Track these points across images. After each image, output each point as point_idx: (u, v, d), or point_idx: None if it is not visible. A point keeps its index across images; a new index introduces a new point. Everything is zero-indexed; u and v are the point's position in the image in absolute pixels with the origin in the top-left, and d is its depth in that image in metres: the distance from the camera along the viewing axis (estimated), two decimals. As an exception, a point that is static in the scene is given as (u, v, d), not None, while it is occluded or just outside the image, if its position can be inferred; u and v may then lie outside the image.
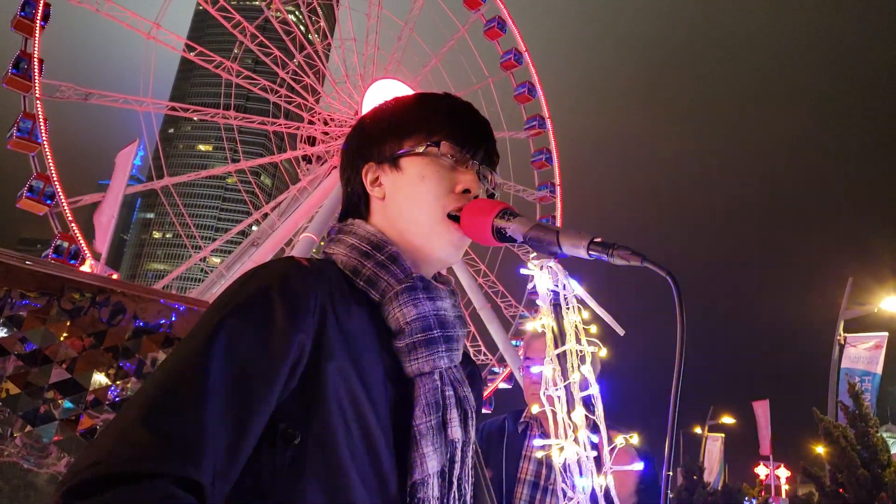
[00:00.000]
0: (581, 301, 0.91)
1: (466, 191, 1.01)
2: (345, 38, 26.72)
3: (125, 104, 22.56)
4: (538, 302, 0.94)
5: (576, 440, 0.86)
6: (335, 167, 23.89)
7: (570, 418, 0.88)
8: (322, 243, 1.08)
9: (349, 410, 0.84)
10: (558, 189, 27.61)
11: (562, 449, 0.87)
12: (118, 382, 2.55)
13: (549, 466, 2.20)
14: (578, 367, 0.89)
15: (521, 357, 2.39)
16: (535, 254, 0.92)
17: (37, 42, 18.46)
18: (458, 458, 0.94)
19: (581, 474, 0.86)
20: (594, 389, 0.90)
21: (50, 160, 18.29)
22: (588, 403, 0.91)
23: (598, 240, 0.84)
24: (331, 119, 25.29)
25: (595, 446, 0.89)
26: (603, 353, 0.96)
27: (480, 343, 28.43)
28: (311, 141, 25.25)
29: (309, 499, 0.81)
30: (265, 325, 0.82)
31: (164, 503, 0.68)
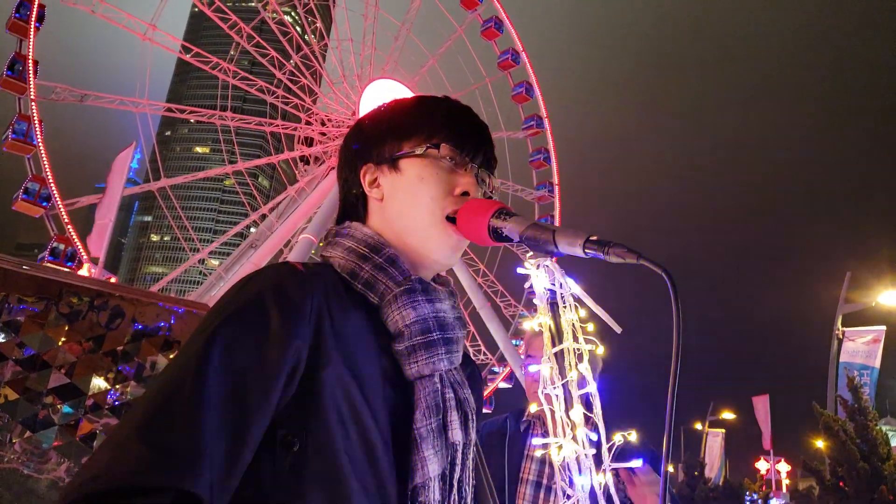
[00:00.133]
0: (578, 299, 0.91)
1: (465, 193, 1.01)
2: (342, 38, 26.70)
3: (121, 105, 22.52)
4: (535, 301, 0.94)
5: (574, 438, 0.87)
6: (333, 168, 23.86)
7: (568, 417, 0.88)
8: (321, 244, 1.08)
9: (348, 416, 0.84)
10: (556, 188, 27.64)
11: (560, 447, 0.87)
12: (117, 386, 2.55)
13: (552, 465, 2.20)
14: (576, 365, 0.89)
15: (523, 356, 2.39)
16: (531, 253, 0.92)
17: (31, 43, 18.41)
18: (458, 460, 0.93)
19: (580, 472, 0.86)
20: (592, 387, 0.90)
21: (45, 162, 18.24)
22: (587, 402, 0.91)
23: (594, 238, 0.84)
24: (328, 120, 25.27)
25: (594, 444, 0.89)
26: (601, 350, 0.96)
27: (480, 342, 28.45)
28: (309, 142, 25.23)
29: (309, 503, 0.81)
30: (261, 333, 0.82)
31: None
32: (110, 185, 16.68)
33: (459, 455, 0.94)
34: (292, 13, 29.63)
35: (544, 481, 2.21)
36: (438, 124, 1.04)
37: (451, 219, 0.99)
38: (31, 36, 18.43)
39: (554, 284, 0.91)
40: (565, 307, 0.91)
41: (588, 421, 0.89)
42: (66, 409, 2.44)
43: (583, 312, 0.92)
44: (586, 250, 0.84)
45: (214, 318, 0.83)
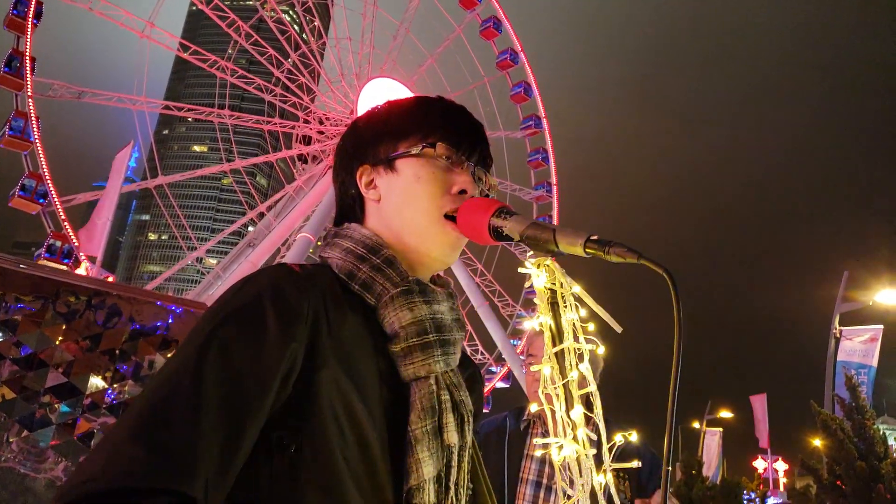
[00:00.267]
0: (578, 299, 0.91)
1: (463, 191, 1.01)
2: (340, 37, 26.67)
3: (118, 103, 22.48)
4: (535, 300, 0.94)
5: (574, 438, 0.86)
6: (331, 167, 23.72)
7: (568, 416, 0.87)
8: (319, 244, 1.08)
9: (343, 417, 0.84)
10: (555, 188, 27.65)
11: (560, 447, 0.87)
12: (115, 385, 2.54)
13: (553, 465, 2.21)
14: (576, 365, 0.89)
15: (525, 355, 2.40)
16: (531, 252, 0.92)
17: (28, 40, 18.36)
18: (454, 462, 0.93)
19: (580, 473, 0.86)
20: (592, 387, 0.89)
21: (42, 159, 18.20)
22: (588, 402, 0.91)
23: (595, 237, 0.84)
24: (326, 118, 25.25)
25: (594, 444, 0.89)
26: (601, 350, 0.96)
27: (477, 342, 28.47)
28: (307, 140, 25.21)
29: None
30: (257, 335, 0.82)
31: None
32: (109, 183, 16.67)
33: (455, 457, 0.93)
34: (290, 12, 29.57)
35: (544, 481, 2.21)
36: (434, 124, 1.04)
37: (449, 217, 0.99)
38: (29, 32, 18.39)
39: (554, 284, 0.91)
40: (566, 307, 0.90)
41: (588, 421, 0.89)
42: (63, 408, 2.43)
43: (583, 312, 0.92)
44: (587, 250, 0.84)
45: (212, 320, 0.83)
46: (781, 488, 30.50)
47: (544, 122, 27.54)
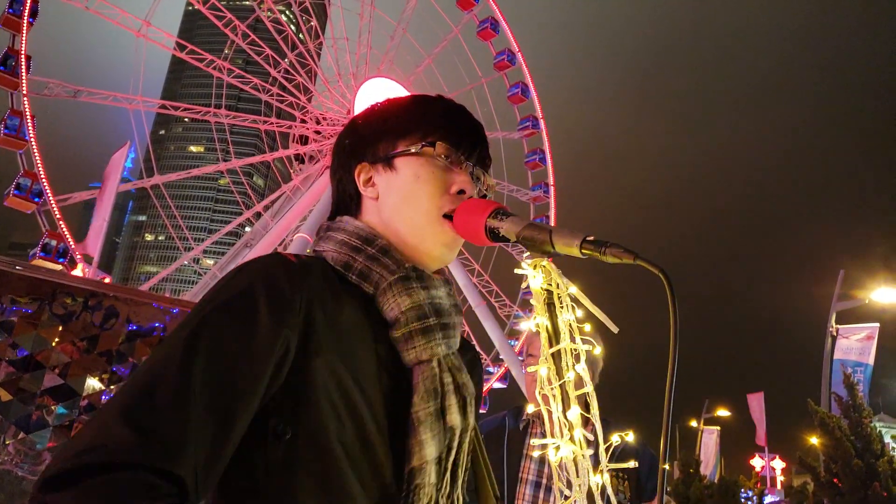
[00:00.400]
0: (575, 299, 0.91)
1: (461, 191, 1.02)
2: (337, 37, 26.64)
3: (115, 102, 22.41)
4: (532, 301, 0.94)
5: (571, 439, 0.87)
6: (328, 167, 23.77)
7: (565, 417, 0.88)
8: (313, 242, 1.08)
9: (341, 404, 0.85)
10: (552, 189, 27.66)
11: (558, 448, 0.87)
12: (112, 387, 2.54)
13: (551, 465, 2.21)
14: (573, 365, 0.89)
15: (525, 355, 2.40)
16: (528, 253, 0.92)
17: (24, 39, 18.31)
18: (455, 444, 0.94)
19: (577, 473, 0.86)
20: (589, 388, 0.90)
21: (37, 157, 18.15)
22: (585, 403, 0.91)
23: (591, 238, 0.84)
24: (323, 118, 25.22)
25: (592, 444, 0.89)
26: (598, 351, 0.96)
27: (475, 342, 28.44)
28: (304, 140, 25.18)
29: (303, 492, 0.82)
30: (248, 321, 0.82)
31: (142, 492, 0.68)
32: (105, 183, 16.63)
33: (457, 439, 0.94)
34: (287, 12, 29.53)
35: (543, 481, 2.21)
36: (433, 123, 1.04)
37: (447, 216, 0.99)
38: (25, 31, 18.33)
39: (551, 285, 0.91)
40: (562, 307, 0.90)
41: (587, 422, 0.89)
42: (60, 409, 2.42)
43: (580, 312, 0.92)
44: (583, 250, 0.84)
45: (204, 307, 0.84)
46: (779, 486, 30.59)
47: (542, 122, 27.55)
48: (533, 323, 0.93)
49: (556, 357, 0.90)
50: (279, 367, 0.83)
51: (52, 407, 2.43)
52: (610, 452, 0.89)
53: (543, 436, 0.90)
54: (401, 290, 0.94)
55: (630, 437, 2.07)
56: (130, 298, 2.70)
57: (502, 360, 26.80)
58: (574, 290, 0.91)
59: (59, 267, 17.13)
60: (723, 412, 29.81)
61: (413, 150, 1.02)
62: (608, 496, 0.86)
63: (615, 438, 0.94)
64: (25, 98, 18.19)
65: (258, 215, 26.60)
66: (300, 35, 26.80)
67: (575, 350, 0.90)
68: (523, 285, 26.60)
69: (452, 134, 1.04)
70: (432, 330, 0.94)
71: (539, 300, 0.92)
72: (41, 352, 2.44)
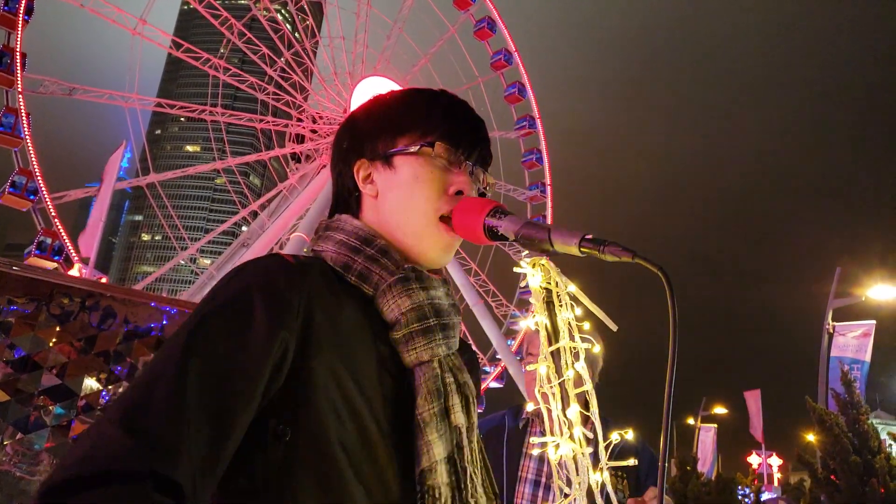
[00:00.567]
0: (574, 298, 0.91)
1: (460, 192, 1.01)
2: (333, 36, 26.59)
3: (110, 100, 22.33)
4: (531, 300, 0.94)
5: (571, 437, 0.87)
6: (324, 166, 23.76)
7: (565, 415, 0.88)
8: (311, 241, 1.07)
9: (341, 405, 0.84)
10: (549, 189, 27.66)
11: (557, 446, 0.87)
12: (110, 387, 2.53)
13: (551, 463, 2.21)
14: (573, 363, 0.89)
15: (524, 354, 2.39)
16: (526, 252, 0.92)
17: (19, 36, 18.21)
18: (464, 443, 0.94)
19: (577, 471, 0.86)
20: (589, 386, 0.90)
21: (33, 155, 18.04)
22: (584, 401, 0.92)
23: (590, 237, 0.84)
24: (319, 117, 25.17)
25: (591, 443, 0.89)
26: (597, 349, 0.96)
27: (471, 341, 28.47)
28: (300, 139, 25.13)
29: (303, 493, 0.82)
30: (246, 323, 0.82)
31: (139, 502, 0.67)
32: (103, 184, 16.58)
33: (464, 438, 0.94)
34: (283, 10, 29.47)
35: (543, 479, 2.21)
36: (434, 121, 1.03)
37: (445, 217, 0.99)
38: (20, 29, 18.23)
39: (549, 283, 0.91)
40: (561, 306, 0.91)
41: (587, 420, 0.89)
42: (58, 410, 2.42)
43: (578, 311, 0.92)
44: (582, 249, 0.84)
45: (201, 310, 0.83)
46: (776, 483, 30.69)
47: (538, 122, 27.55)
48: (532, 321, 0.93)
49: (556, 355, 0.90)
50: (277, 368, 0.82)
51: (50, 407, 2.43)
52: (609, 451, 0.89)
53: (543, 435, 0.90)
54: (400, 292, 0.94)
55: (630, 435, 2.08)
56: (128, 299, 2.69)
57: (499, 360, 26.82)
58: (573, 288, 0.91)
59: (55, 265, 17.09)
60: (720, 410, 29.89)
61: (412, 150, 1.01)
62: (608, 494, 0.86)
63: (615, 436, 0.94)
64: (21, 96, 18.09)
65: (255, 214, 26.54)
66: (296, 34, 26.73)
67: (574, 348, 0.90)
68: (522, 284, 26.62)
69: (452, 133, 1.02)
70: (432, 330, 0.93)
71: (538, 298, 0.92)
72: (39, 352, 2.43)
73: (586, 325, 0.93)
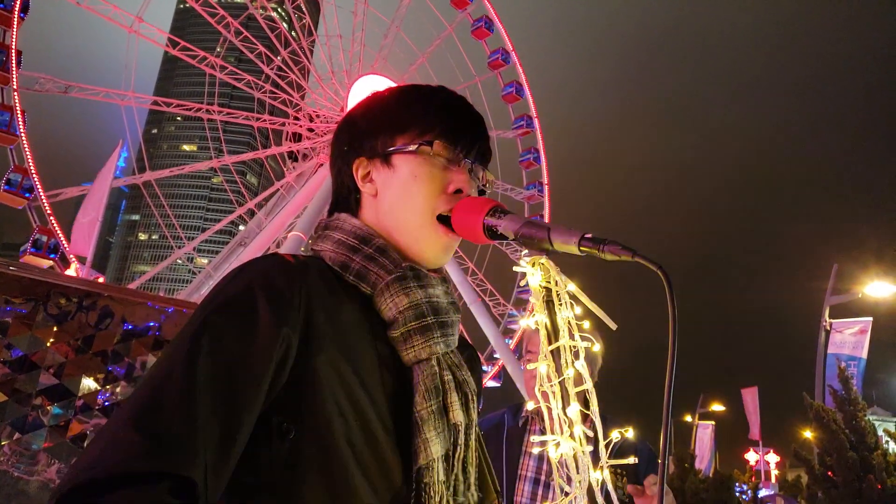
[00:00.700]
0: (573, 297, 0.91)
1: (458, 191, 1.00)
2: (330, 34, 26.53)
3: (106, 98, 22.25)
4: (531, 299, 0.94)
5: (571, 435, 0.87)
6: (321, 164, 23.73)
7: (565, 413, 0.88)
8: (310, 241, 1.07)
9: (344, 401, 0.85)
10: (546, 188, 27.66)
11: (557, 445, 0.87)
12: (108, 387, 2.53)
13: (551, 462, 2.21)
14: (572, 362, 0.90)
15: (524, 352, 2.40)
16: (525, 251, 0.92)
17: (15, 34, 18.13)
18: (461, 441, 0.94)
19: (577, 469, 0.86)
20: (589, 385, 0.90)
21: (28, 153, 17.99)
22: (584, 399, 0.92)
23: (590, 236, 0.84)
24: (316, 115, 25.13)
25: (591, 441, 0.90)
26: (597, 348, 0.96)
27: (469, 340, 28.40)
28: (297, 137, 25.09)
29: (309, 490, 0.82)
30: (249, 322, 0.82)
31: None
32: (98, 182, 16.52)
33: (462, 435, 0.94)
34: (280, 9, 29.40)
35: (542, 478, 2.21)
36: (432, 119, 1.02)
37: (444, 217, 0.99)
38: (15, 26, 18.16)
39: (549, 282, 0.91)
40: (561, 304, 0.91)
41: (586, 418, 0.89)
42: (55, 410, 2.41)
43: (578, 309, 0.92)
44: (581, 248, 0.84)
45: (204, 309, 0.84)
46: (773, 480, 30.79)
47: (536, 121, 27.53)
48: (532, 320, 0.93)
49: (556, 354, 0.90)
50: (281, 365, 0.83)
51: (48, 407, 2.42)
52: (609, 449, 0.89)
53: (542, 433, 0.90)
54: (398, 290, 0.94)
55: (630, 433, 2.08)
56: (125, 298, 2.68)
57: (496, 359, 26.84)
58: (572, 287, 0.91)
59: (50, 263, 17.04)
60: (717, 407, 29.96)
61: (410, 149, 1.00)
62: (608, 492, 0.86)
63: (615, 435, 0.94)
64: (16, 93, 18.03)
65: (252, 213, 26.50)
66: (293, 32, 26.67)
67: (574, 347, 0.90)
68: (521, 283, 26.58)
69: (452, 131, 1.02)
70: (430, 328, 0.93)
71: (538, 297, 0.92)
72: (36, 352, 2.42)
73: (586, 324, 0.93)
